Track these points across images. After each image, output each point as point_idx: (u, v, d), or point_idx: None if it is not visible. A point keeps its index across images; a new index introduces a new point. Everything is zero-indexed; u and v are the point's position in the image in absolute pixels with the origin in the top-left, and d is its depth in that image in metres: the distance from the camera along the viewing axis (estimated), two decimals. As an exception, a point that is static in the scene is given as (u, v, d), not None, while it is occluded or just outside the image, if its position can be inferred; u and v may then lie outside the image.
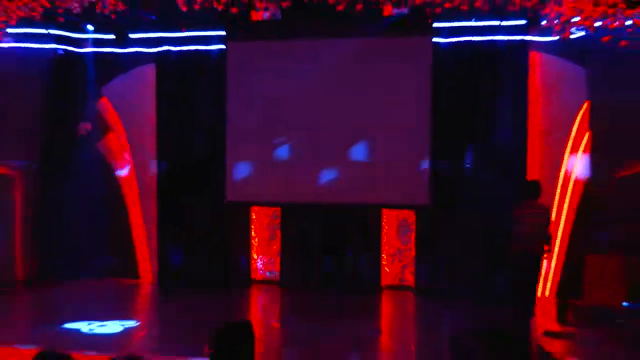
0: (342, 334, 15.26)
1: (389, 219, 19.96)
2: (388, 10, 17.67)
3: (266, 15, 18.62)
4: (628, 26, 14.82)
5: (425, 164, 19.10)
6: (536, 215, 15.87)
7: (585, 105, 18.12)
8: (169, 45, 20.52)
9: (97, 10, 16.62)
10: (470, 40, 18.98)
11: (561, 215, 18.51)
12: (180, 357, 13.00)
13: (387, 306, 18.85)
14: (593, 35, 15.79)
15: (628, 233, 16.19)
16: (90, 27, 19.54)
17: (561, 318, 15.80)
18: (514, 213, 16.02)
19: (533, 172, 18.64)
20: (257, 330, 13.81)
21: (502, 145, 18.74)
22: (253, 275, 20.63)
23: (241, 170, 20.16)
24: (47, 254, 20.58)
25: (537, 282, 16.47)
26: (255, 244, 20.68)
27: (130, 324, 15.79)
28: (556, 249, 18.40)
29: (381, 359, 14.48)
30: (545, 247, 15.24)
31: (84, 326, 15.15)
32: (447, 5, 15.89)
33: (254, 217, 20.63)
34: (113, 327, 15.31)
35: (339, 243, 20.07)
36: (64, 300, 18.37)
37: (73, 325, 15.14)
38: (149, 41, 20.58)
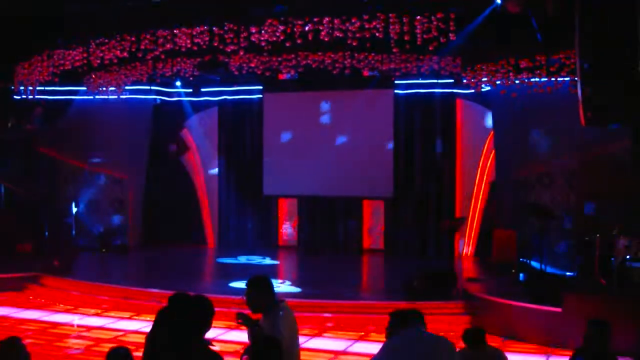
0: (336, 278, 15.62)
1: (367, 207, 20.17)
2: (366, 72, 17.60)
3: (288, 76, 18.59)
4: (516, 84, 15.18)
5: (390, 171, 19.44)
6: None
7: (491, 133, 18.27)
8: (227, 95, 20.88)
9: (181, 74, 16.98)
10: (418, 92, 19.24)
11: (477, 203, 18.81)
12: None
13: (366, 261, 19.18)
14: (495, 90, 16.17)
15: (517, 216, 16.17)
16: (178, 84, 19.70)
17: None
18: None
19: (459, 178, 19.05)
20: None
21: (439, 160, 19.23)
22: (280, 243, 20.80)
23: (272, 175, 20.51)
24: (148, 228, 20.85)
25: None
26: (281, 222, 20.89)
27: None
28: (474, 226, 18.74)
29: (362, 292, 14.96)
30: None
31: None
32: (403, 70, 16.22)
33: (280, 205, 20.88)
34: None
35: (334, 222, 20.26)
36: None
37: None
38: (214, 93, 20.86)
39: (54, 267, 15.54)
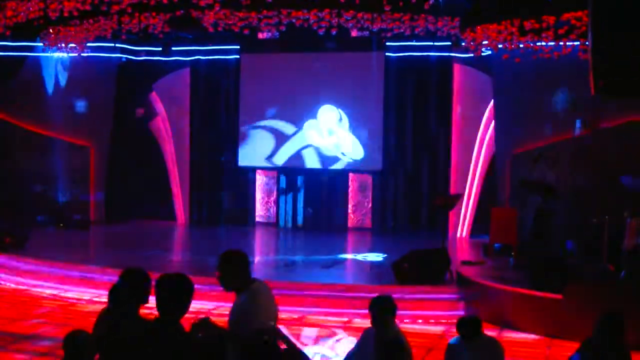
0: (319, 260, 15.50)
1: (353, 181, 20.09)
2: (354, 33, 17.48)
3: (268, 35, 18.41)
4: (520, 48, 15.00)
5: (380, 142, 19.34)
6: None
7: (491, 102, 18.14)
8: (200, 55, 20.64)
9: (150, 31, 16.70)
10: (412, 55, 19.07)
11: (474, 179, 18.75)
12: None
13: (351, 241, 19.03)
14: (497, 54, 16.04)
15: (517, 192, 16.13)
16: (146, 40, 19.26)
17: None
18: None
19: (454, 151, 19.02)
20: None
21: (433, 131, 19.21)
22: (257, 219, 20.72)
23: (249, 145, 20.38)
24: (112, 201, 20.61)
25: None
26: (258, 197, 20.80)
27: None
28: (470, 203, 18.66)
29: (347, 273, 14.89)
30: None
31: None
32: (395, 30, 16.05)
33: (258, 177, 20.79)
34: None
35: (317, 197, 20.22)
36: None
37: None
38: (186, 52, 20.61)
39: (5, 243, 15.36)
